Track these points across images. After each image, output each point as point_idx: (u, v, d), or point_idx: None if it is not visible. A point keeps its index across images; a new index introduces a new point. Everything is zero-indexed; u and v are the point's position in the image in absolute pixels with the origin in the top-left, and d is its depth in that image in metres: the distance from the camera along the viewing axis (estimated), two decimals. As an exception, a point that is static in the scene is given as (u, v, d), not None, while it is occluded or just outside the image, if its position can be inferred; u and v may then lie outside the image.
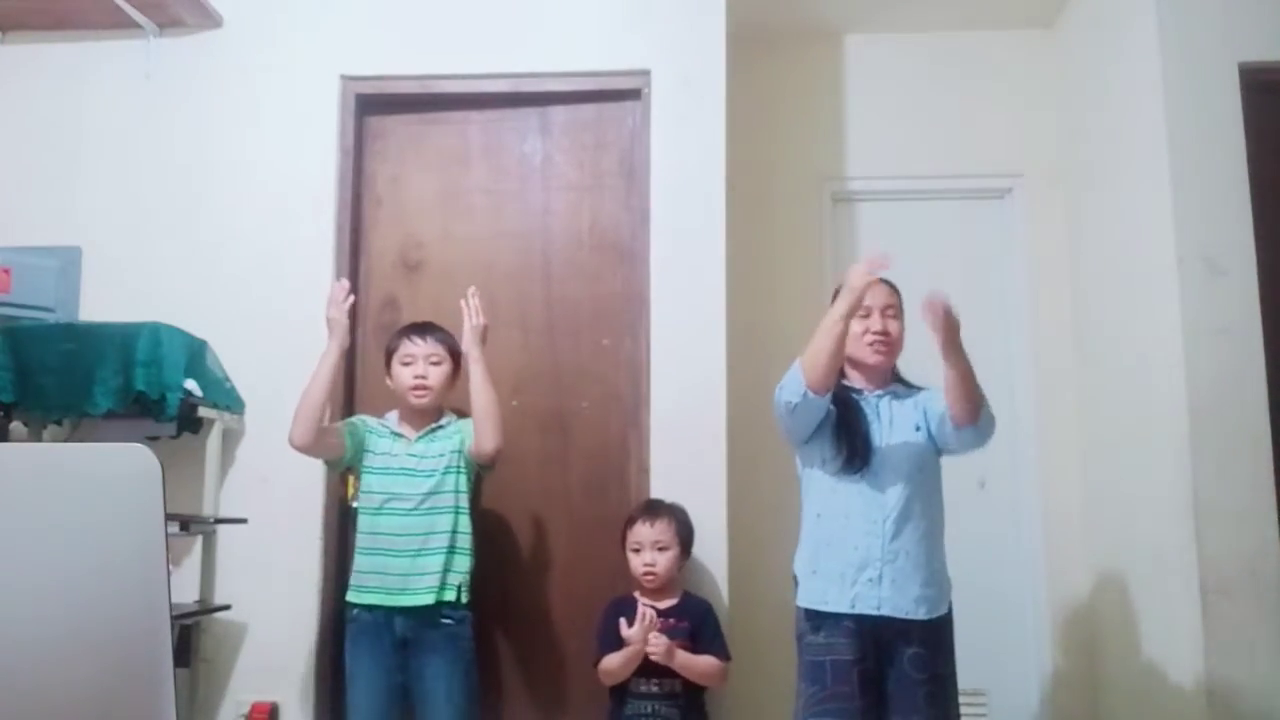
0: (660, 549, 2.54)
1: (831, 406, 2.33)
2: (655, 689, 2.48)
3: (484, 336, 2.60)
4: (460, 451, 2.60)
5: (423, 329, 2.65)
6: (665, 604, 2.55)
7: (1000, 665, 3.20)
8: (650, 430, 2.84)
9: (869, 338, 2.36)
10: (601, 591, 2.71)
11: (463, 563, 2.56)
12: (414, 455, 2.57)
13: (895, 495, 2.27)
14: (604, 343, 2.98)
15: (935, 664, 2.24)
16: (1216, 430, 2.60)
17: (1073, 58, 3.44)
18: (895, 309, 2.39)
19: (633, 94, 3.02)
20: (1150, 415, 2.82)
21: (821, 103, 3.62)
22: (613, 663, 2.48)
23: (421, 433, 2.62)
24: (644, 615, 2.43)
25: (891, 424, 2.35)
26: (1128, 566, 2.97)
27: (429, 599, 2.49)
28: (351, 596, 2.55)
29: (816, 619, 2.28)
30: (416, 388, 2.58)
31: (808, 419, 2.29)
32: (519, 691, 2.84)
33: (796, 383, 2.25)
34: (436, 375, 2.61)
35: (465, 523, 2.58)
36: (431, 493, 2.55)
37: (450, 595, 2.51)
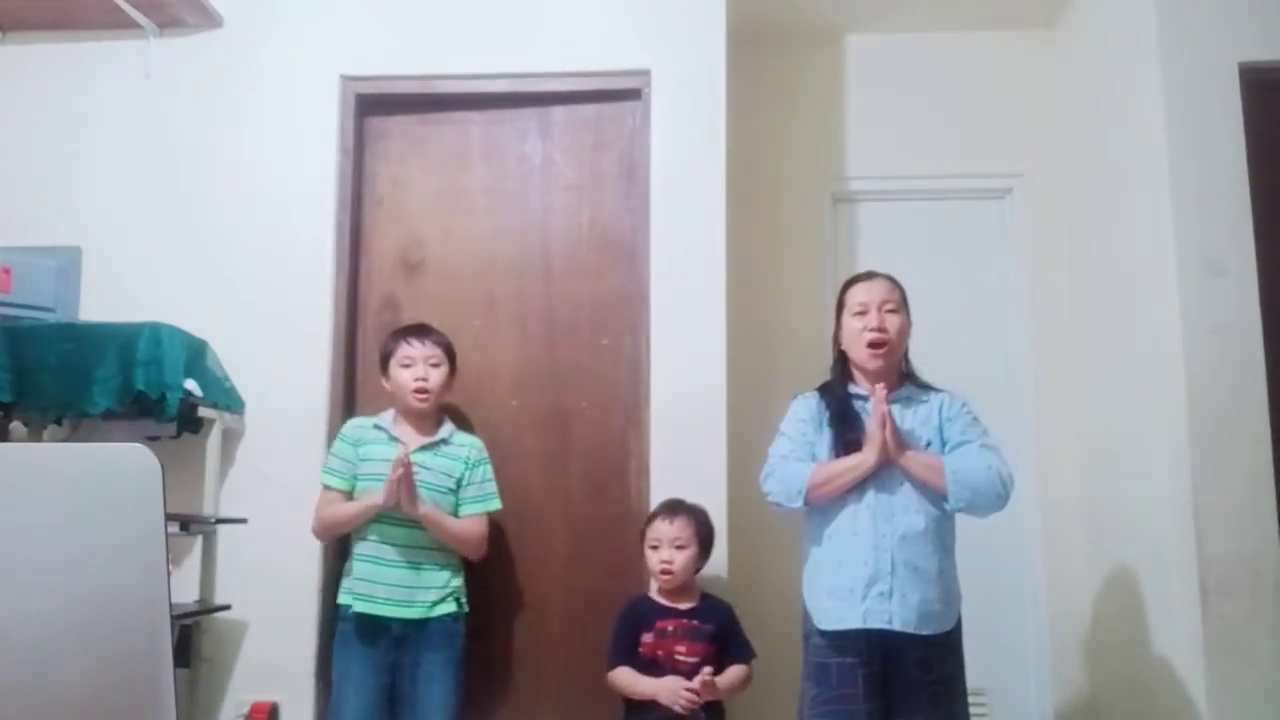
0: (678, 547, 2.51)
1: (827, 428, 2.31)
2: None
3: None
4: (459, 478, 2.61)
5: (420, 331, 2.65)
6: (685, 605, 2.53)
7: (1000, 665, 3.20)
8: (650, 430, 2.84)
9: (867, 336, 2.31)
10: (601, 590, 2.70)
11: (458, 577, 2.59)
12: (414, 464, 2.55)
13: (902, 508, 2.23)
14: (604, 342, 2.97)
15: (942, 665, 2.22)
16: (1216, 430, 2.59)
17: (1073, 58, 3.43)
18: (895, 303, 2.34)
19: (633, 94, 3.02)
20: (1150, 415, 2.81)
21: (821, 103, 3.61)
22: (622, 680, 2.43)
23: (425, 443, 2.61)
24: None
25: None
26: (1128, 566, 2.97)
27: (429, 613, 2.51)
28: (346, 600, 2.55)
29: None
30: (418, 391, 2.58)
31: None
32: (518, 691, 2.84)
33: (792, 492, 2.25)
34: (437, 377, 2.61)
35: None
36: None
37: (451, 608, 2.54)
